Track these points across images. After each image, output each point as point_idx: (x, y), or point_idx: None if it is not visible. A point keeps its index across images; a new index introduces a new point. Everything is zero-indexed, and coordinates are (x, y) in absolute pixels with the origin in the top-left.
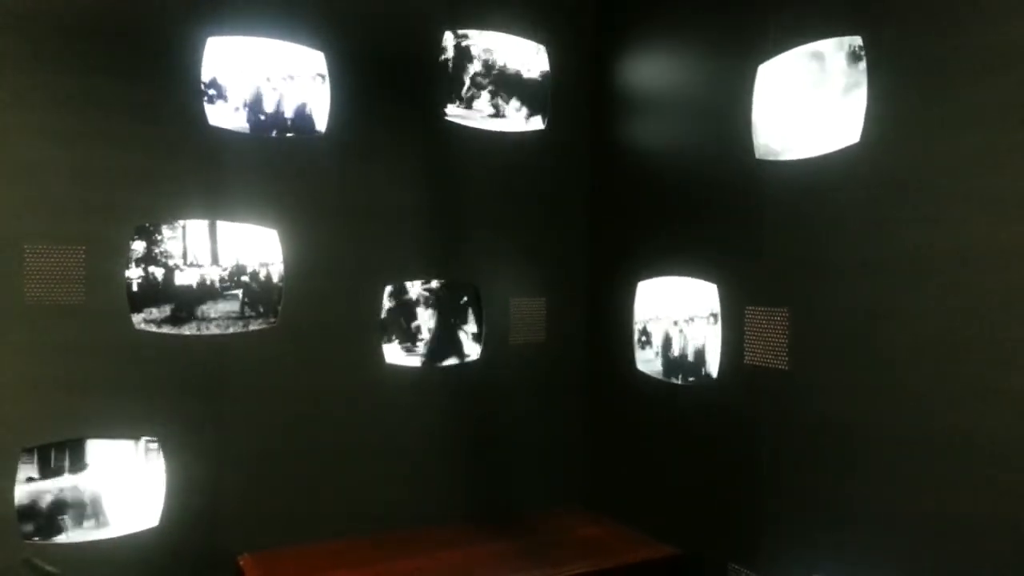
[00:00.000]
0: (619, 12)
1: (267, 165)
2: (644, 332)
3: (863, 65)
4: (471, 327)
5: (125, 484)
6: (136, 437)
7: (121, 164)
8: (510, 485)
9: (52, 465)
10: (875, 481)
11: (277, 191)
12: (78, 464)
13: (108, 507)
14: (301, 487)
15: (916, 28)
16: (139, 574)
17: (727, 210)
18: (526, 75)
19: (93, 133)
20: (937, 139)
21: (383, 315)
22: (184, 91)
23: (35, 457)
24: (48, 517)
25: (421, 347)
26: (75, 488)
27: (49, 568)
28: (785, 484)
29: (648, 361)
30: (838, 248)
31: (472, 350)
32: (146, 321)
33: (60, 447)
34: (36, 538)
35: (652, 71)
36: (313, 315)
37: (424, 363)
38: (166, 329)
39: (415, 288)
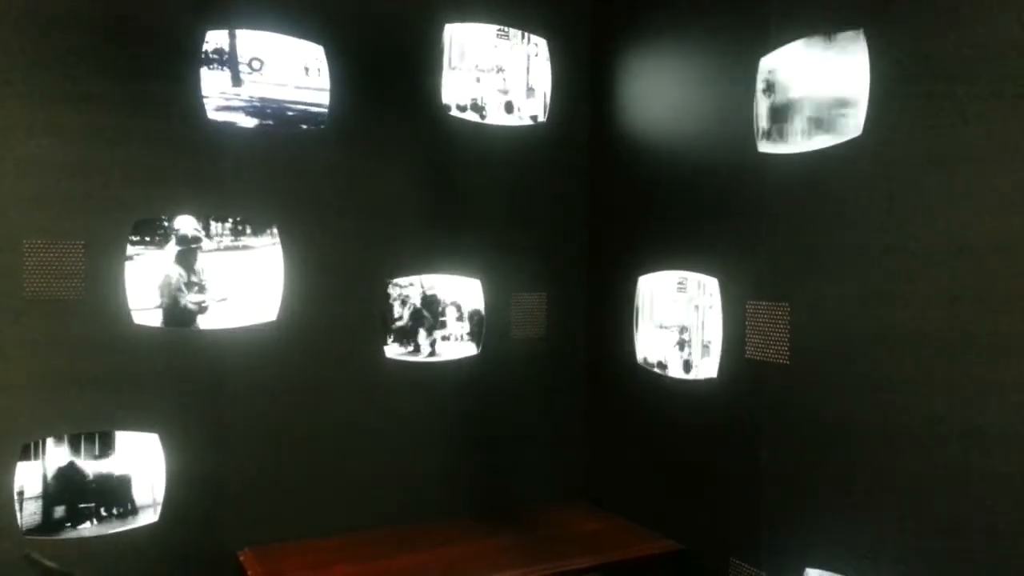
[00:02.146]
0: (620, 5)
1: (267, 160)
2: (644, 327)
3: (865, 58)
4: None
5: (126, 479)
6: (136, 431)
7: (120, 159)
8: (511, 480)
9: (53, 457)
10: (876, 476)
11: (277, 186)
12: (77, 457)
13: (107, 502)
14: (302, 483)
15: (918, 20)
16: (139, 569)
17: (728, 204)
18: (527, 69)
19: (92, 128)
20: (939, 132)
21: (383, 310)
22: (183, 85)
23: (36, 449)
24: (48, 508)
25: (423, 342)
26: (76, 482)
27: (49, 564)
28: (786, 479)
29: (649, 355)
30: (839, 242)
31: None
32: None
33: (61, 441)
34: (38, 533)
35: (653, 64)
36: (313, 310)
37: (424, 358)
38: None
39: (414, 282)
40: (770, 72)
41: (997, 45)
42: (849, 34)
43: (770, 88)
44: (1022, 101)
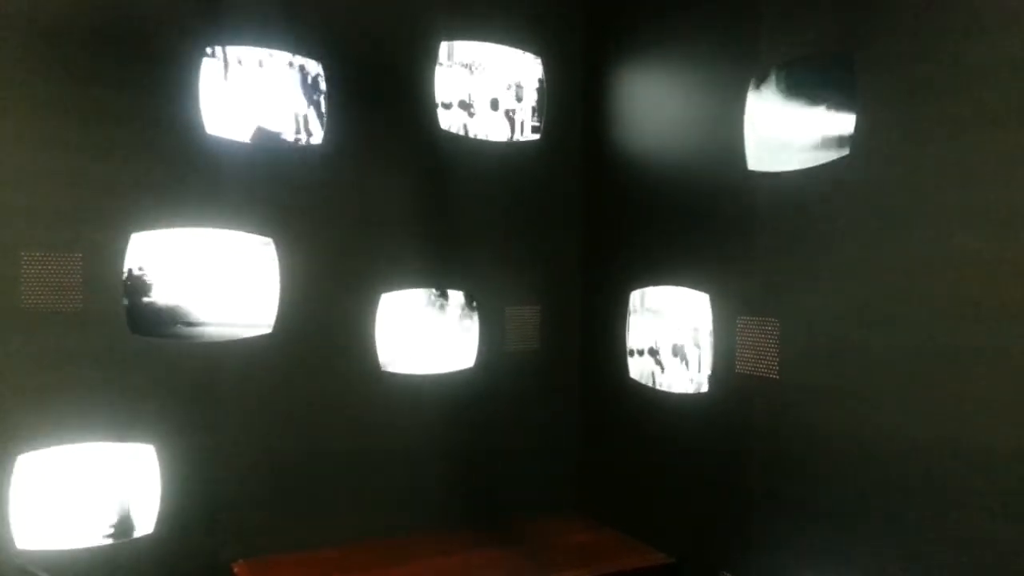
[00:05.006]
0: (613, 24)
1: (264, 174)
2: (636, 341)
3: (853, 79)
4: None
5: (121, 490)
6: (132, 443)
7: (118, 172)
8: (504, 492)
9: (50, 468)
10: (865, 489)
11: (274, 200)
12: (76, 470)
13: (104, 512)
14: (296, 494)
15: (904, 42)
16: None
17: (719, 221)
18: (521, 86)
19: (91, 141)
20: (926, 151)
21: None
22: (182, 100)
23: (32, 461)
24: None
25: (418, 355)
26: (72, 493)
27: (43, 575)
28: (776, 492)
29: (641, 369)
30: (828, 259)
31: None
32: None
33: (57, 452)
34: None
35: (645, 83)
36: (309, 323)
37: (420, 371)
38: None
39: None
40: (760, 91)
41: (984, 66)
42: (838, 55)
43: (759, 106)
44: (1008, 120)
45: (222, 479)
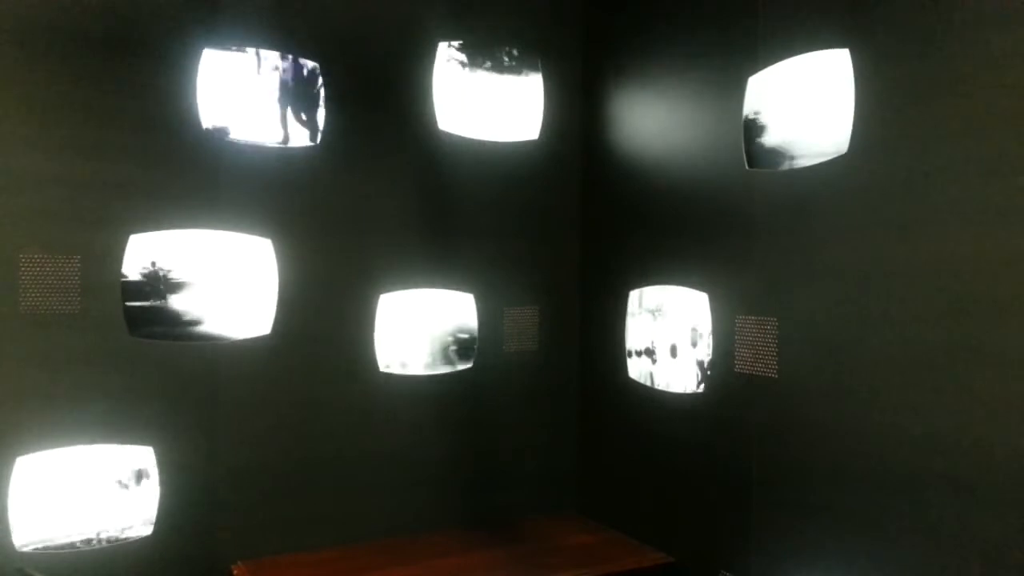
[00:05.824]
0: (611, 25)
1: (262, 175)
2: (635, 340)
3: (851, 77)
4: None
5: (120, 492)
6: (131, 445)
7: (115, 173)
8: (503, 492)
9: (48, 471)
10: (864, 488)
11: (272, 201)
12: (75, 472)
13: (103, 514)
14: (295, 495)
15: (902, 41)
16: None
17: (718, 220)
18: (519, 86)
19: (88, 143)
20: (923, 150)
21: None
22: (179, 101)
23: (31, 463)
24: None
25: (417, 356)
26: (71, 495)
27: None
28: (775, 491)
29: (639, 369)
30: (826, 258)
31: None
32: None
33: (56, 454)
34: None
35: (644, 82)
36: (307, 324)
37: (419, 372)
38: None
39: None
40: (758, 90)
41: (980, 63)
42: (835, 52)
43: (757, 106)
44: (1008, 119)
45: (221, 480)
